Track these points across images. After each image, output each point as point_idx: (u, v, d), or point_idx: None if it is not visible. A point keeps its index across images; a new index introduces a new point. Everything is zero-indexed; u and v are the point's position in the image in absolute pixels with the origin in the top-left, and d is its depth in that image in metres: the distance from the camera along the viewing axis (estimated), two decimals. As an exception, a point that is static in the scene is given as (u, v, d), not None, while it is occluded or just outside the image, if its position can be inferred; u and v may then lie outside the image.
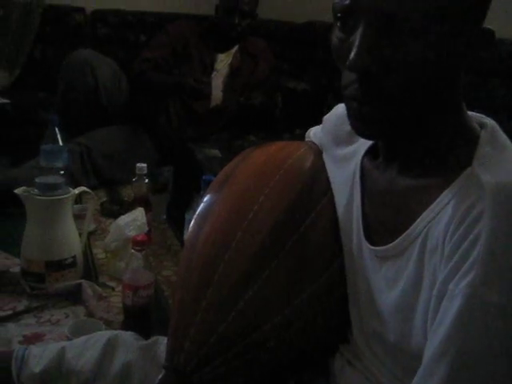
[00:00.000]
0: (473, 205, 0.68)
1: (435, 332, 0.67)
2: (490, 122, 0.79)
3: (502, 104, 2.10)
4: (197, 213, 0.94)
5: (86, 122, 2.43)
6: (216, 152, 2.11)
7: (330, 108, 1.02)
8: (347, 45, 0.73)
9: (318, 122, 1.07)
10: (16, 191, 1.46)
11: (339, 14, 0.74)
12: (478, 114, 0.81)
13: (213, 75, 2.69)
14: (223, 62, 2.73)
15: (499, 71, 2.10)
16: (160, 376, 0.84)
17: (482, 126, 0.78)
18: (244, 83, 2.71)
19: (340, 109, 0.97)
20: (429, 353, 0.68)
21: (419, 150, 0.79)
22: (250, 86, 2.72)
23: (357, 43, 0.70)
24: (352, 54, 0.70)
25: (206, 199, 0.94)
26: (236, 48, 2.74)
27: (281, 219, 0.87)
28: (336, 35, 0.76)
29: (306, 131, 1.12)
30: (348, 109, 0.77)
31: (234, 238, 0.85)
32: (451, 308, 0.66)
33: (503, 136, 0.77)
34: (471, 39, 0.73)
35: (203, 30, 2.74)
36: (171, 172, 2.06)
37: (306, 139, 1.10)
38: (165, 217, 2.00)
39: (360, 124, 0.77)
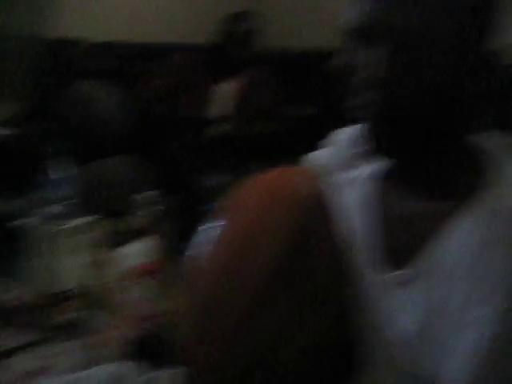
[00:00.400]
0: (487, 227, 0.68)
1: (462, 358, 0.67)
2: (502, 139, 0.79)
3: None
4: (200, 242, 0.92)
5: (90, 153, 2.42)
6: (220, 179, 2.10)
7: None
8: (363, 63, 0.73)
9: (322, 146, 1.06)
10: (18, 222, 1.45)
11: (354, 33, 0.74)
12: (491, 132, 0.81)
13: (216, 104, 2.69)
14: (227, 90, 2.74)
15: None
16: None
17: (495, 144, 0.78)
18: (248, 111, 2.71)
19: (343, 133, 0.96)
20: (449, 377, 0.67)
21: (436, 171, 0.78)
22: (254, 114, 2.72)
23: (374, 61, 0.71)
24: (369, 72, 0.72)
25: (208, 229, 0.93)
26: (240, 77, 2.75)
27: (286, 246, 0.84)
28: (350, 55, 0.76)
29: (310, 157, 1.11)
30: (364, 127, 0.77)
31: (238, 270, 0.83)
32: (483, 333, 0.65)
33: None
34: (484, 57, 0.73)
35: (207, 60, 2.76)
36: (176, 200, 2.04)
37: (309, 164, 1.08)
38: (170, 245, 1.98)
39: (377, 141, 0.77)
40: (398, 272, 0.79)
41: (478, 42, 0.72)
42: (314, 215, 0.89)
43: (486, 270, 0.66)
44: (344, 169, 0.93)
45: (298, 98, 2.98)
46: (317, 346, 0.84)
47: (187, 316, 0.86)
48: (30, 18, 2.84)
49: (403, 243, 0.80)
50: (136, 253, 1.52)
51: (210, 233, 0.92)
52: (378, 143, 0.77)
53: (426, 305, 0.74)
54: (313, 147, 1.17)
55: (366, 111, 0.76)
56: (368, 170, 0.89)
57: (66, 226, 1.47)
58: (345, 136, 0.94)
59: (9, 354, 1.33)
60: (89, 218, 1.56)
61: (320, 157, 1.02)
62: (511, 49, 0.75)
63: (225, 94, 2.73)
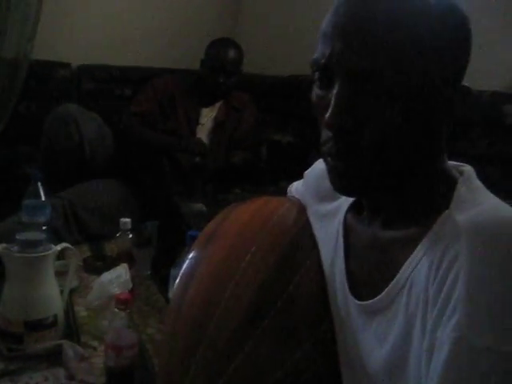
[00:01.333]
0: (449, 246, 0.67)
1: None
2: (467, 168, 0.79)
3: (484, 153, 2.12)
4: (181, 272, 0.92)
5: (70, 177, 2.40)
6: (201, 206, 2.10)
7: (314, 160, 1.02)
8: (325, 102, 0.73)
9: (302, 174, 1.06)
10: (-5, 249, 1.42)
11: (316, 72, 0.75)
12: (457, 163, 0.81)
13: (197, 129, 2.70)
14: (208, 116, 2.75)
15: (480, 122, 2.13)
16: None
17: (461, 173, 0.78)
18: (229, 136, 2.72)
19: (320, 164, 0.96)
20: None
21: (401, 202, 0.78)
22: (234, 139, 2.73)
23: (332, 102, 0.71)
24: (328, 113, 0.71)
25: (190, 258, 0.92)
26: (221, 102, 2.76)
27: (268, 279, 0.84)
28: (315, 92, 0.76)
29: (290, 183, 1.12)
30: (326, 165, 0.78)
31: (220, 301, 0.83)
32: (440, 357, 0.64)
33: (477, 181, 0.77)
34: (449, 97, 0.73)
35: (188, 85, 2.77)
36: (155, 226, 2.03)
37: (288, 194, 1.08)
38: (149, 272, 1.96)
39: (337, 180, 0.77)
40: (366, 302, 0.79)
41: (443, 80, 0.71)
42: (299, 245, 0.89)
43: (449, 288, 0.65)
44: (320, 201, 0.94)
45: (282, 123, 2.99)
46: (294, 376, 0.83)
47: (169, 342, 0.84)
48: (16, 40, 2.83)
49: (373, 273, 0.80)
50: (115, 280, 1.50)
51: (192, 260, 0.91)
52: (338, 182, 0.78)
53: (393, 334, 0.74)
54: (293, 174, 1.18)
55: (326, 149, 0.76)
56: (342, 203, 0.90)
57: (44, 252, 1.44)
58: (321, 167, 0.94)
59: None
60: (67, 245, 1.53)
61: (300, 188, 1.03)
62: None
63: (205, 119, 2.74)
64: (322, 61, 0.72)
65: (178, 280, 0.91)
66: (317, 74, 0.75)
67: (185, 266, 0.93)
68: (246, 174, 2.61)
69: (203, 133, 2.69)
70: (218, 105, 2.75)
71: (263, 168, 2.65)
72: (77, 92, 3.20)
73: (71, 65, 3.19)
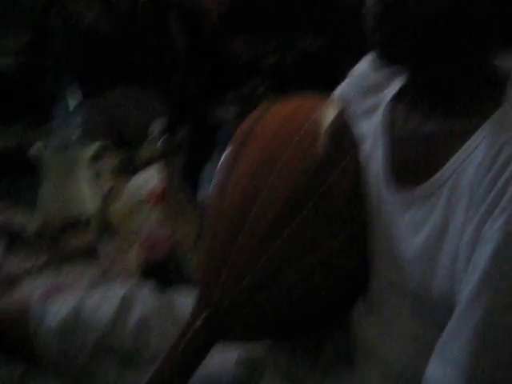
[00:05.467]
0: (504, 146, 0.67)
1: (470, 277, 0.67)
2: None
3: None
4: (220, 164, 0.94)
5: (101, 82, 2.40)
6: (231, 110, 2.08)
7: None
8: None
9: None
10: (31, 150, 1.46)
11: None
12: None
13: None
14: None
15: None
16: (190, 314, 0.86)
17: None
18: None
19: (365, 61, 0.95)
20: (463, 299, 0.67)
21: (446, 89, 0.77)
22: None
23: None
24: None
25: (227, 155, 0.94)
26: None
27: (304, 176, 0.86)
28: None
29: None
30: (370, 31, 0.76)
31: (259, 195, 0.85)
32: (485, 251, 0.65)
33: None
34: None
35: None
36: (186, 132, 2.04)
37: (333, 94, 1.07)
38: (180, 178, 1.99)
39: (380, 43, 0.76)
40: (404, 193, 0.80)
41: None
42: (336, 145, 0.89)
43: (501, 188, 0.65)
44: (364, 96, 0.93)
45: (311, 29, 2.91)
46: (327, 264, 0.86)
47: (212, 226, 0.89)
48: None
49: (414, 164, 0.80)
50: (148, 180, 1.53)
51: (231, 154, 0.93)
52: (390, 48, 0.77)
53: (428, 226, 0.75)
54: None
55: (372, 14, 0.75)
56: (387, 93, 0.89)
57: (79, 154, 1.47)
58: (366, 63, 0.94)
59: (21, 276, 1.36)
60: (100, 147, 1.56)
61: (340, 87, 1.02)
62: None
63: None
64: None
65: (217, 171, 0.94)
66: None
67: (221, 163, 0.94)
68: (274, 79, 2.55)
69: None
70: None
71: (291, 76, 2.59)
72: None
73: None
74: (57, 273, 1.39)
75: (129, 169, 1.94)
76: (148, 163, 1.72)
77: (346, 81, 1.02)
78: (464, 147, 0.72)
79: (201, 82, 2.51)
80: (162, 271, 1.31)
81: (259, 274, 0.83)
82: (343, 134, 0.92)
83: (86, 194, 1.51)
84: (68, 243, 1.46)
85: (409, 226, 0.79)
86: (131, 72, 2.51)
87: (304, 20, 2.83)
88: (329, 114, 0.94)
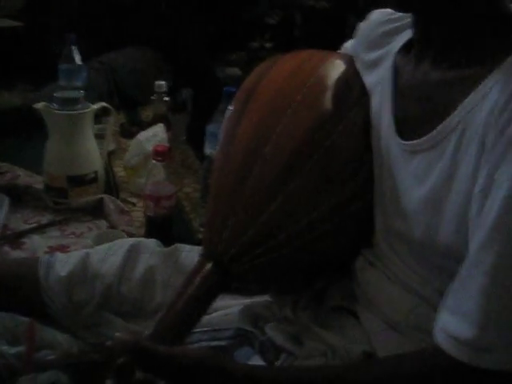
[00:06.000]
0: None
1: (482, 223, 0.67)
2: None
3: None
4: (226, 120, 0.94)
5: (106, 41, 2.38)
6: (235, 70, 2.08)
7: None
8: None
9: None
10: (35, 106, 1.46)
11: None
12: None
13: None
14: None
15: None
16: (196, 264, 0.87)
17: None
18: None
19: (374, 14, 0.96)
20: (475, 244, 0.68)
21: (454, 35, 0.77)
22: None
23: None
24: None
25: (232, 113, 0.94)
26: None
27: (309, 131, 0.86)
28: None
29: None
30: None
31: (272, 133, 0.86)
32: (498, 195, 0.65)
33: None
34: None
35: None
36: (190, 92, 2.03)
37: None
38: (184, 137, 1.99)
39: None
40: (411, 141, 0.80)
41: None
42: (343, 96, 0.90)
43: (509, 124, 0.65)
44: (372, 49, 0.93)
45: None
46: (337, 211, 0.87)
47: (222, 167, 0.90)
48: None
49: (422, 113, 0.80)
50: (152, 138, 1.54)
51: (233, 117, 0.93)
52: None
53: (434, 175, 0.75)
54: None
55: None
56: (395, 46, 0.89)
57: (83, 112, 1.47)
58: (374, 17, 0.95)
59: (28, 232, 1.38)
60: (105, 104, 1.56)
61: (351, 42, 1.02)
62: None
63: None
64: None
65: (221, 132, 0.94)
66: None
67: (226, 118, 0.94)
68: (280, 38, 2.53)
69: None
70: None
71: (297, 34, 2.57)
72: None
73: None
74: (62, 231, 1.40)
75: (133, 129, 1.94)
76: (152, 123, 1.72)
77: (353, 37, 1.02)
78: (473, 94, 0.72)
79: (205, 42, 2.49)
80: (166, 227, 1.33)
81: (268, 222, 0.84)
82: (351, 86, 0.92)
83: (91, 152, 1.51)
84: (74, 200, 1.47)
85: (414, 174, 0.79)
86: (133, 33, 2.49)
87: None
88: (336, 68, 0.94)
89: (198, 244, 1.02)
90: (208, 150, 1.38)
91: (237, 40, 2.55)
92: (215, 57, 2.40)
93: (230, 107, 0.96)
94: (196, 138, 1.79)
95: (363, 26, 0.98)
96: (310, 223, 0.86)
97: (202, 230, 1.29)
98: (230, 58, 2.39)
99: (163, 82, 1.77)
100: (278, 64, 0.96)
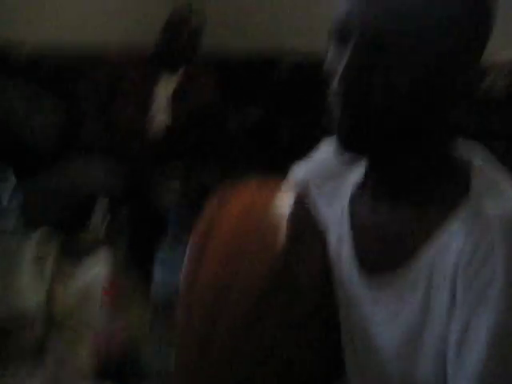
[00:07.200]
0: (482, 237, 0.69)
1: (464, 366, 0.68)
2: (481, 149, 0.79)
3: (499, 131, 2.12)
4: (187, 259, 0.91)
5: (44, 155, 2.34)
6: (175, 184, 2.05)
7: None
8: (337, 62, 0.73)
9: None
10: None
11: (334, 28, 0.75)
12: (469, 141, 0.81)
13: (156, 102, 2.65)
14: (166, 87, 2.70)
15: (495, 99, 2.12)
16: None
17: (474, 153, 0.78)
18: (188, 108, 2.67)
19: (326, 144, 0.95)
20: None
21: (408, 176, 0.79)
22: (194, 111, 2.68)
23: (345, 61, 0.72)
24: (339, 72, 0.72)
25: (189, 259, 0.91)
26: (180, 72, 2.72)
27: (268, 282, 0.83)
28: (330, 51, 0.76)
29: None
30: (333, 120, 0.78)
31: (228, 294, 0.83)
32: (480, 338, 0.67)
33: (496, 162, 0.78)
34: (463, 76, 0.73)
35: (148, 59, 2.72)
36: (126, 213, 1.98)
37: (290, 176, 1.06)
38: (125, 263, 1.91)
39: (342, 132, 0.77)
40: (380, 278, 0.79)
41: (455, 49, 0.72)
42: (301, 234, 0.87)
43: (487, 279, 0.67)
44: (326, 180, 0.92)
45: (247, 98, 2.95)
46: (301, 360, 0.83)
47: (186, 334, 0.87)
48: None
49: (384, 251, 0.80)
50: (93, 270, 1.47)
51: (191, 263, 0.90)
52: (351, 139, 0.77)
53: (413, 311, 0.75)
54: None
55: (336, 105, 0.76)
56: (348, 181, 0.89)
57: (19, 243, 1.40)
58: (327, 147, 0.94)
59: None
60: (42, 235, 1.50)
61: (300, 170, 1.01)
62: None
63: (164, 90, 2.70)
64: (342, 17, 0.73)
65: (181, 281, 0.91)
66: (334, 31, 0.75)
67: (187, 257, 0.91)
68: (214, 148, 2.55)
69: (161, 104, 2.65)
70: (177, 75, 2.72)
71: (231, 143, 2.59)
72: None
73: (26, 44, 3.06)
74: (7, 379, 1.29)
75: (72, 255, 1.86)
76: (93, 248, 1.65)
77: (304, 164, 1.01)
78: (440, 233, 0.74)
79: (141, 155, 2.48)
80: (118, 369, 1.25)
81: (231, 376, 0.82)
82: (305, 224, 0.90)
83: (29, 287, 1.42)
84: (12, 342, 1.36)
85: (385, 311, 0.78)
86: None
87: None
88: (287, 205, 0.91)
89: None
90: (158, 283, 1.33)
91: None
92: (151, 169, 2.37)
93: (189, 245, 0.92)
94: (138, 263, 1.72)
95: (317, 157, 0.98)
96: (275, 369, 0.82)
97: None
98: (167, 171, 2.37)
99: (100, 210, 1.73)
100: (231, 200, 0.94)
